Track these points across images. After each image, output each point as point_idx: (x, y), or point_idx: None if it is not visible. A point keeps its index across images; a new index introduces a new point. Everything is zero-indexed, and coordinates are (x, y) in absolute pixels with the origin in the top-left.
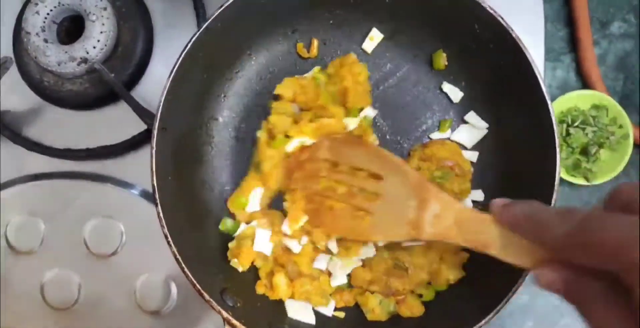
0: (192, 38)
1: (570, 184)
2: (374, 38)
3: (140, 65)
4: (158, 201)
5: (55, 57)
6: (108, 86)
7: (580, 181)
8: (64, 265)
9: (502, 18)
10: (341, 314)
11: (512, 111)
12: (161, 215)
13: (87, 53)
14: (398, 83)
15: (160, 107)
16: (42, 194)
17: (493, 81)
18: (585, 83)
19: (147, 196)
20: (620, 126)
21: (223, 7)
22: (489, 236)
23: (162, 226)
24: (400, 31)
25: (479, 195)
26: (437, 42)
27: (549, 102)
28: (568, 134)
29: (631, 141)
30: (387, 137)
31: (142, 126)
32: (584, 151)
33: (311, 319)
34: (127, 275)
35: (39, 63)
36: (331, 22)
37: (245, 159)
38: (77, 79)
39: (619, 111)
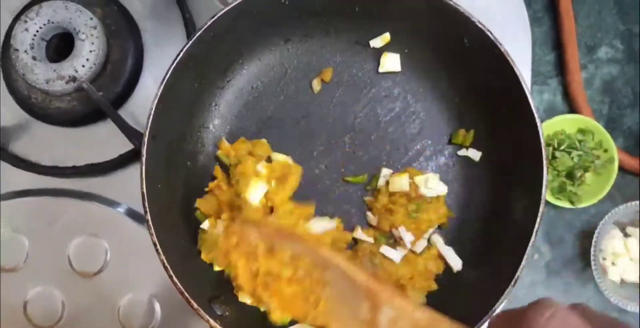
0: (183, 47)
1: (555, 207)
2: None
3: (129, 83)
4: (147, 209)
5: (43, 75)
6: (96, 103)
7: (565, 204)
8: (48, 283)
9: (491, 32)
10: None
11: (502, 133)
12: (150, 222)
13: (76, 72)
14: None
15: (151, 115)
16: (27, 211)
17: (484, 101)
18: (571, 107)
19: (133, 214)
20: (606, 150)
21: (215, 17)
22: None
23: (150, 234)
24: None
25: None
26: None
27: (536, 118)
28: (554, 157)
29: (616, 165)
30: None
31: (129, 145)
32: (570, 175)
33: None
34: (111, 293)
35: (27, 80)
36: (325, 32)
37: None
38: (65, 97)
39: (604, 135)
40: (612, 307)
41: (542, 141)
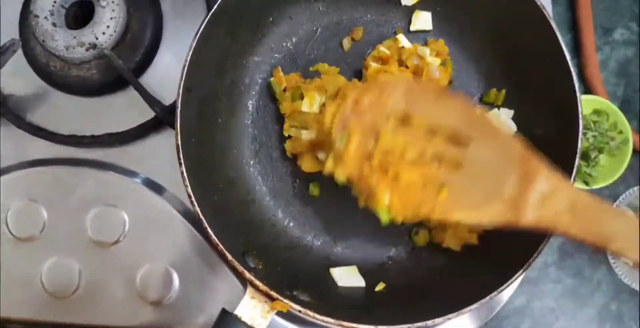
0: (217, 1)
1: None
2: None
3: (148, 53)
4: (182, 161)
5: (63, 41)
6: (115, 72)
7: (580, 185)
8: (65, 253)
9: None
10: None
11: (534, 94)
12: (185, 174)
13: (97, 39)
14: None
15: (186, 67)
16: (44, 180)
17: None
18: (587, 88)
19: (151, 184)
20: (620, 132)
21: None
22: (613, 230)
23: (185, 186)
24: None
25: None
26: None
27: (573, 73)
28: None
29: (630, 146)
30: None
31: (149, 114)
32: (584, 156)
33: (360, 282)
34: (128, 264)
35: (47, 47)
36: None
37: (266, 126)
38: (84, 65)
39: (619, 116)
40: (625, 289)
41: (578, 92)
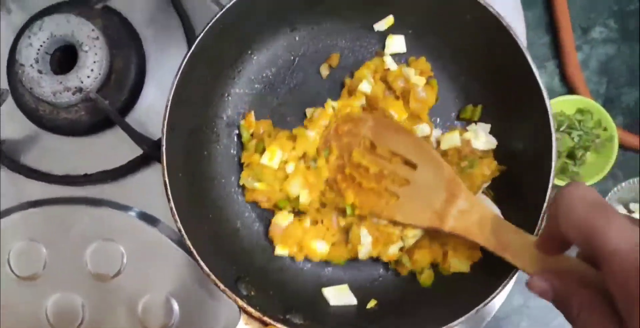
0: (196, 39)
1: (558, 187)
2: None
3: (134, 91)
4: (170, 197)
5: (50, 88)
6: (103, 112)
7: None
8: (67, 288)
9: (492, 6)
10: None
11: (509, 107)
12: (174, 210)
13: (82, 82)
14: None
15: (168, 106)
16: (43, 220)
17: (489, 77)
18: (569, 88)
19: (145, 217)
20: (605, 129)
21: (224, 9)
22: (507, 242)
23: (175, 220)
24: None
25: None
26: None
27: (541, 85)
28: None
29: (616, 143)
30: None
31: (138, 150)
32: (571, 155)
33: (352, 300)
34: (129, 295)
35: (34, 94)
36: (330, 19)
37: None
38: (72, 108)
39: (603, 114)
40: None
41: (550, 112)
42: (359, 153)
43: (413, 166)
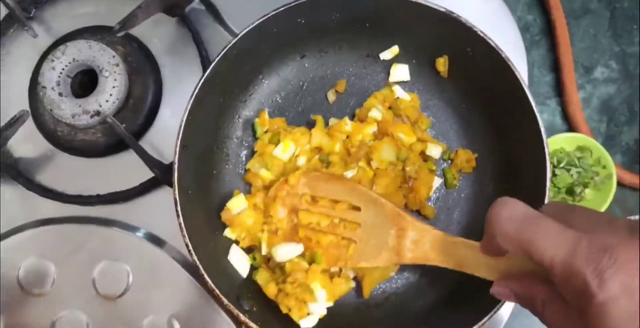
0: (210, 65)
1: None
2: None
3: (149, 115)
4: (179, 213)
5: (69, 110)
6: (119, 135)
7: None
8: (74, 306)
9: (492, 40)
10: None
11: (508, 137)
12: (182, 225)
13: (100, 106)
14: None
15: (182, 127)
16: (54, 238)
17: (489, 107)
18: (570, 125)
19: (152, 238)
20: (604, 167)
21: (239, 36)
22: (462, 257)
23: (183, 236)
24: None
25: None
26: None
27: (539, 119)
28: (554, 175)
29: (614, 180)
30: None
31: (149, 173)
32: (570, 191)
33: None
34: (134, 315)
35: (54, 115)
36: (338, 47)
37: None
38: (89, 130)
39: (602, 152)
40: None
41: (545, 141)
42: (305, 214)
43: (358, 209)
